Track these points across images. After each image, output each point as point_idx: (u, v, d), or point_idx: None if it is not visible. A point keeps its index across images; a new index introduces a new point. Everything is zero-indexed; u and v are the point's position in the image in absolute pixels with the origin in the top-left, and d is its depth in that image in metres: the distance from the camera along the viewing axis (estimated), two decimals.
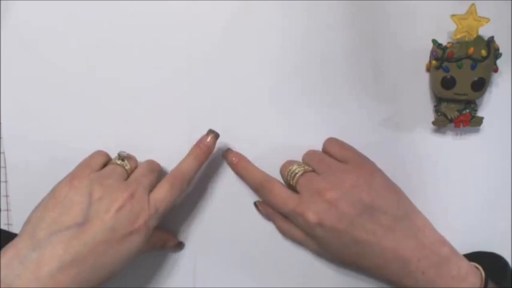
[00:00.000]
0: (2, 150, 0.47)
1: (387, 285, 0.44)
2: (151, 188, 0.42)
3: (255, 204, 0.47)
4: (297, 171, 0.43)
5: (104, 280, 0.38)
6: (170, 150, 0.45)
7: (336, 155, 0.43)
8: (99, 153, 0.44)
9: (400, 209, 0.41)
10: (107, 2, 0.46)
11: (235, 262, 0.47)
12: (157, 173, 0.44)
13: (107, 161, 0.44)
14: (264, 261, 0.47)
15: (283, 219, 0.45)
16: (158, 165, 0.45)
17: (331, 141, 0.45)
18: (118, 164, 0.42)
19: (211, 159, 0.46)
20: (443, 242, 0.41)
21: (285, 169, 0.44)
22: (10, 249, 0.36)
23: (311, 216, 0.41)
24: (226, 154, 0.46)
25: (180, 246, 0.47)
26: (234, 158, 0.46)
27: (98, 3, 0.46)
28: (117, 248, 0.38)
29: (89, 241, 0.37)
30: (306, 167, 0.43)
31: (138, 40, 0.46)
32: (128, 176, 0.42)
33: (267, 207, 0.46)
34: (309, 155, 0.45)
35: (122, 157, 0.43)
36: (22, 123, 0.47)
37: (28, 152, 0.47)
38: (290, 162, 0.45)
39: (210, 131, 0.44)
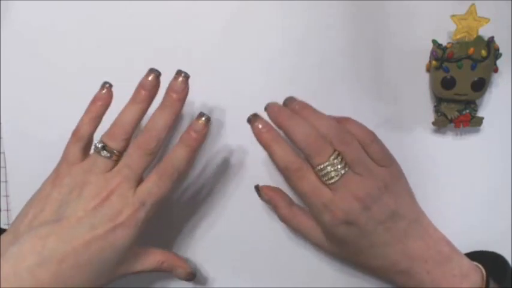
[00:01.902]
0: (2, 150, 0.47)
1: (391, 285, 0.44)
2: (140, 177, 0.39)
3: (257, 187, 0.45)
4: (332, 174, 0.39)
5: (92, 280, 0.37)
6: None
7: (374, 154, 0.40)
8: (73, 142, 0.40)
9: (414, 213, 0.41)
10: (107, 2, 0.46)
11: (235, 262, 0.47)
12: (150, 156, 0.39)
13: (86, 146, 0.40)
14: (265, 261, 0.47)
15: (287, 206, 0.43)
16: (151, 143, 0.39)
17: (373, 138, 0.41)
18: (99, 154, 0.39)
19: (210, 157, 0.46)
20: (445, 240, 0.42)
21: (317, 157, 0.39)
22: None
23: (342, 215, 0.39)
24: (252, 119, 0.41)
25: (191, 276, 0.43)
26: (261, 127, 0.40)
27: (98, 3, 0.46)
28: (99, 245, 0.37)
29: (65, 238, 0.36)
30: (340, 167, 0.39)
31: (138, 40, 0.46)
32: (116, 161, 0.39)
33: (271, 191, 0.44)
34: (347, 145, 0.39)
35: (100, 147, 0.39)
36: (22, 123, 0.47)
37: (28, 152, 0.47)
38: (320, 149, 0.39)
39: (201, 114, 0.40)
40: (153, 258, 0.41)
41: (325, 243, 0.42)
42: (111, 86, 0.41)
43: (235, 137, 0.46)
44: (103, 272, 0.38)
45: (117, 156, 0.39)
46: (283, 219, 0.44)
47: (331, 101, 0.46)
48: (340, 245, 0.41)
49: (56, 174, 0.40)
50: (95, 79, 0.46)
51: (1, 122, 0.47)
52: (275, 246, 0.47)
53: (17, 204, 0.47)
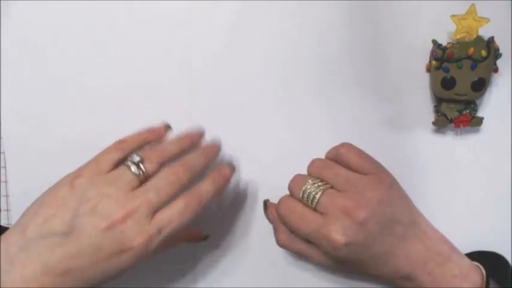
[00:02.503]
0: (2, 150, 0.47)
1: (392, 286, 0.44)
2: (163, 204, 0.37)
3: (265, 203, 0.45)
4: (314, 193, 0.39)
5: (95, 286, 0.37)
6: None
7: (353, 164, 0.40)
8: (116, 147, 0.39)
9: (410, 216, 0.41)
10: (109, 3, 0.46)
11: (236, 262, 0.47)
12: (179, 188, 0.38)
13: (120, 160, 0.39)
14: (265, 261, 0.47)
15: (286, 232, 0.42)
16: (186, 175, 0.38)
17: (347, 149, 0.41)
18: (130, 169, 0.38)
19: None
20: (445, 241, 0.42)
21: (297, 189, 0.40)
22: (3, 242, 0.36)
23: (339, 238, 0.38)
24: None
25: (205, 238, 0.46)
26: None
27: (99, 3, 0.46)
28: (104, 264, 0.36)
29: (72, 252, 0.35)
30: (321, 184, 0.40)
31: (139, 41, 0.46)
32: (141, 182, 0.38)
33: (275, 212, 0.43)
34: (320, 167, 0.41)
35: (135, 162, 0.38)
36: (22, 123, 0.47)
37: (28, 152, 0.47)
38: (300, 180, 0.41)
39: (230, 165, 0.42)
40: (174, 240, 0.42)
41: (328, 263, 0.42)
42: (171, 128, 0.43)
43: (236, 137, 0.46)
44: (103, 283, 0.37)
45: (144, 178, 0.38)
46: (281, 243, 0.43)
47: (331, 101, 0.46)
48: (343, 263, 0.41)
49: (79, 174, 0.38)
50: (95, 79, 0.46)
51: (1, 122, 0.47)
52: (276, 246, 0.47)
53: (17, 204, 0.47)
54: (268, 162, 0.46)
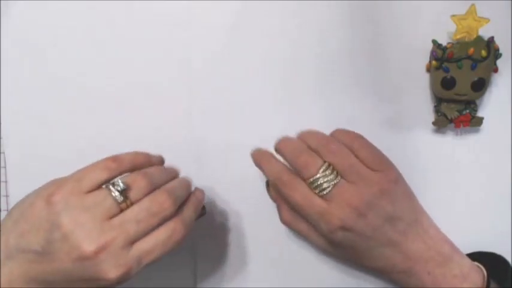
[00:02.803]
0: (2, 150, 0.47)
1: (392, 285, 0.44)
2: (142, 235, 0.35)
3: (267, 182, 0.45)
4: (325, 186, 0.39)
5: None
6: (172, 156, 0.45)
7: (364, 160, 0.40)
8: (104, 167, 0.36)
9: (412, 214, 0.41)
10: (108, 2, 0.45)
11: (236, 262, 0.47)
12: (161, 221, 0.35)
13: (106, 181, 0.36)
14: (266, 260, 0.47)
15: (289, 210, 0.43)
16: (170, 206, 0.36)
17: (362, 143, 0.41)
18: (111, 195, 0.35)
19: (211, 158, 0.46)
20: (446, 241, 0.42)
21: (306, 172, 0.39)
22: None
23: (336, 222, 0.39)
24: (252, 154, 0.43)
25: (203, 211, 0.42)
26: (254, 149, 0.43)
27: (99, 3, 0.45)
28: (83, 286, 0.35)
29: (48, 270, 0.34)
30: (332, 178, 0.39)
31: (139, 41, 0.46)
32: (121, 210, 0.35)
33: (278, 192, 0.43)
34: (335, 154, 0.39)
35: (119, 189, 0.35)
36: (22, 123, 0.46)
37: (28, 152, 0.47)
38: (310, 163, 0.39)
39: (200, 189, 0.42)
40: None
41: (326, 246, 0.42)
42: (163, 162, 0.41)
43: (237, 137, 0.46)
44: None
45: (126, 206, 0.35)
46: (284, 221, 0.43)
47: (331, 101, 0.46)
48: (340, 249, 0.41)
49: (55, 190, 0.35)
50: (95, 79, 0.46)
51: (1, 122, 0.47)
52: (277, 245, 0.47)
53: None
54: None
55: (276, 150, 0.42)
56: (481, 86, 0.42)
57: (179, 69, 0.46)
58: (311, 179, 0.39)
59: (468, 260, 0.41)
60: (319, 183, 0.39)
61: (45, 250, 0.34)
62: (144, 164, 0.38)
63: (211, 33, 0.46)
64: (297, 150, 0.40)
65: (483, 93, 0.43)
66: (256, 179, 0.46)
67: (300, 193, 0.39)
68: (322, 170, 0.39)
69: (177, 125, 0.46)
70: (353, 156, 0.40)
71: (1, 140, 0.47)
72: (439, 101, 0.45)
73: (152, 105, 0.46)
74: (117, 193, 0.35)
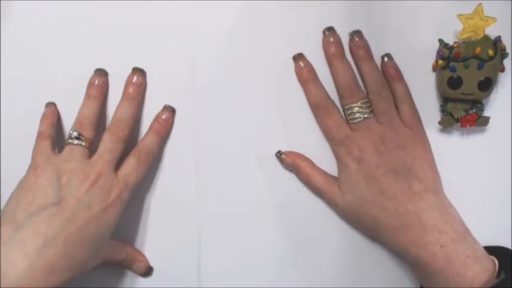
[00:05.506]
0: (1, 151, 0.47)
1: (404, 258, 0.43)
2: (118, 162, 0.43)
3: (278, 153, 0.46)
4: (358, 115, 0.43)
5: (90, 257, 0.40)
6: (174, 155, 0.45)
7: (404, 112, 0.43)
8: (43, 139, 0.43)
9: (434, 185, 0.42)
10: (108, 2, 0.45)
11: (241, 262, 0.47)
12: (124, 142, 0.43)
13: (53, 143, 0.43)
14: (268, 260, 0.47)
15: (310, 166, 0.45)
16: (124, 130, 0.43)
17: (408, 102, 0.44)
18: (74, 144, 0.42)
19: (208, 155, 0.46)
20: (463, 223, 0.42)
21: (346, 97, 0.43)
22: None
23: (354, 149, 0.42)
24: (296, 57, 0.45)
25: (149, 271, 0.47)
26: (303, 65, 0.45)
27: (99, 3, 0.45)
28: (96, 223, 0.40)
29: (69, 216, 0.38)
30: (368, 111, 0.43)
31: (139, 41, 0.46)
32: (90, 150, 0.42)
33: (293, 154, 0.45)
34: (381, 99, 0.43)
35: (75, 137, 0.42)
36: (22, 122, 0.46)
37: (28, 152, 0.46)
38: (353, 91, 0.43)
39: (166, 107, 0.45)
40: (124, 250, 0.45)
41: (339, 200, 0.44)
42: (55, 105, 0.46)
43: (238, 137, 0.46)
44: (98, 248, 0.41)
45: (89, 144, 0.42)
46: (305, 177, 0.45)
47: (336, 100, 0.45)
48: (351, 190, 0.42)
49: (35, 165, 0.41)
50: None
51: (1, 122, 0.46)
52: (281, 245, 0.47)
53: None
54: (268, 161, 0.46)
55: (331, 64, 0.44)
56: (487, 85, 0.42)
57: (179, 69, 0.46)
58: (348, 106, 0.43)
59: (481, 247, 0.41)
60: (353, 111, 0.43)
61: (60, 198, 0.39)
62: (55, 110, 0.45)
63: (213, 34, 0.46)
64: (349, 79, 0.43)
65: (490, 93, 0.43)
66: (257, 178, 0.46)
67: (333, 119, 0.43)
68: (361, 102, 0.43)
69: (178, 125, 0.46)
70: (395, 107, 0.43)
71: (1, 140, 0.46)
72: (445, 101, 0.45)
73: (152, 105, 0.46)
74: (77, 140, 0.42)
